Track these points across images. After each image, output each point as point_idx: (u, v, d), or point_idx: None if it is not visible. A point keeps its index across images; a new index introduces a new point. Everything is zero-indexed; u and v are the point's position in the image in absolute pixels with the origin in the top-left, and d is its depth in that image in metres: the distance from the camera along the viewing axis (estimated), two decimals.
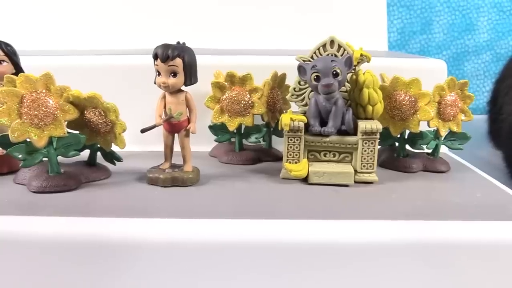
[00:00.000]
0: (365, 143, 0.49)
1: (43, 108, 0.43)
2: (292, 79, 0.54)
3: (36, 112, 0.43)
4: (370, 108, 0.50)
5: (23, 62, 0.51)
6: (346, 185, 0.48)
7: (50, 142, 0.45)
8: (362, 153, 0.49)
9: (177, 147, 0.49)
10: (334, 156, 0.50)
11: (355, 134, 0.49)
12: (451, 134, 0.55)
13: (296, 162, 0.50)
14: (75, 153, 0.46)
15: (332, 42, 0.51)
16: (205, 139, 0.57)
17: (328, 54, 0.51)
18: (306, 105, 0.53)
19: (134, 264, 0.38)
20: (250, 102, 0.53)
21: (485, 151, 0.79)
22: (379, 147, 0.52)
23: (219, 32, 0.80)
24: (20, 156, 0.45)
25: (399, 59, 0.67)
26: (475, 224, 0.41)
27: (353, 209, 0.43)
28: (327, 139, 0.49)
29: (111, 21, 0.80)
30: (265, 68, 0.55)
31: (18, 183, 0.47)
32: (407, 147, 0.56)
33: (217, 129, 0.57)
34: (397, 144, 0.56)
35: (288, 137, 0.49)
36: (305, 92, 0.53)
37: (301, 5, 0.83)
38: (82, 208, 0.42)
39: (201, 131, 0.51)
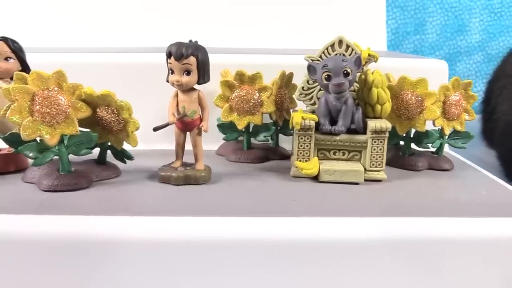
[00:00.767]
0: (374, 142, 0.49)
1: (55, 106, 0.43)
2: (298, 79, 0.54)
3: (48, 110, 0.42)
4: (378, 107, 0.50)
5: (37, 59, 0.50)
6: (356, 183, 0.49)
7: (61, 140, 0.44)
8: (371, 152, 0.50)
9: (187, 146, 0.49)
10: (343, 155, 0.51)
11: (364, 133, 0.50)
12: (455, 133, 0.56)
13: (306, 161, 0.50)
14: (86, 152, 0.46)
15: (340, 42, 0.52)
16: (212, 138, 0.56)
17: (336, 54, 0.52)
18: (314, 104, 0.53)
19: (148, 262, 0.38)
20: (259, 100, 0.53)
21: (479, 150, 0.80)
22: None
23: (224, 31, 0.81)
24: (31, 154, 0.44)
25: (401, 59, 0.68)
26: (483, 221, 0.41)
27: (365, 206, 0.44)
28: (337, 137, 0.50)
29: (120, 19, 0.80)
30: (265, 67, 0.55)
31: (27, 182, 0.46)
32: (412, 145, 0.57)
33: (226, 127, 0.57)
34: (402, 142, 0.57)
35: (299, 136, 0.50)
36: (313, 91, 0.53)
37: (301, 5, 0.83)
38: (95, 206, 0.42)
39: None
